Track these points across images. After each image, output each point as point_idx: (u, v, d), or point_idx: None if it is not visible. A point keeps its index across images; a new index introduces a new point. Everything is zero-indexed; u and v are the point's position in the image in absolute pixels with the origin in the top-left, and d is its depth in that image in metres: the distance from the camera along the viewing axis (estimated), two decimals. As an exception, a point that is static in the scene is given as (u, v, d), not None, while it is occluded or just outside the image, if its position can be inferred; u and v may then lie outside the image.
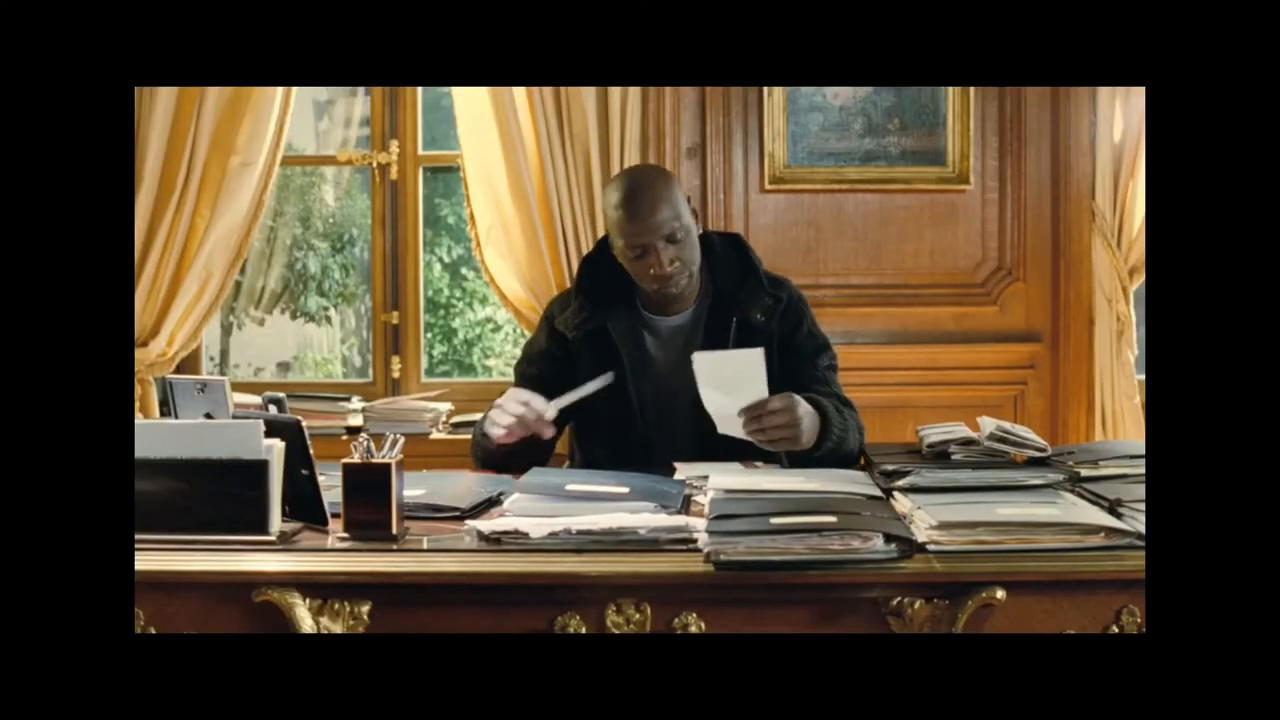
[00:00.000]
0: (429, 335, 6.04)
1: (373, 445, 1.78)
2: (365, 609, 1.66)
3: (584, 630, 1.65)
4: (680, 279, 2.37)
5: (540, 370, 2.49)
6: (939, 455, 2.05)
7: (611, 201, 2.38)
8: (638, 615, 1.65)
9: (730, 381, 2.16)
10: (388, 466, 1.76)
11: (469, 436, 3.43)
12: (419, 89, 3.78)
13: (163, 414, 3.35)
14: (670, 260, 2.33)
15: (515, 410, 2.25)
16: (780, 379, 2.39)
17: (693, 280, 2.42)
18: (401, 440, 1.81)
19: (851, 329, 3.58)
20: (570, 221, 3.47)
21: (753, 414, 2.13)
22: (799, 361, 2.43)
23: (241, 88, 3.46)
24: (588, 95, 3.47)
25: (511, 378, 2.58)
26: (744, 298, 2.43)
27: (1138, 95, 3.50)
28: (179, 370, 3.63)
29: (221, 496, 1.76)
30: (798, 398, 2.16)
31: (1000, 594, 1.62)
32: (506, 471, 2.24)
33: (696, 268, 2.41)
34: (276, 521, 1.78)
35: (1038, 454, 2.01)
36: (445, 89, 4.01)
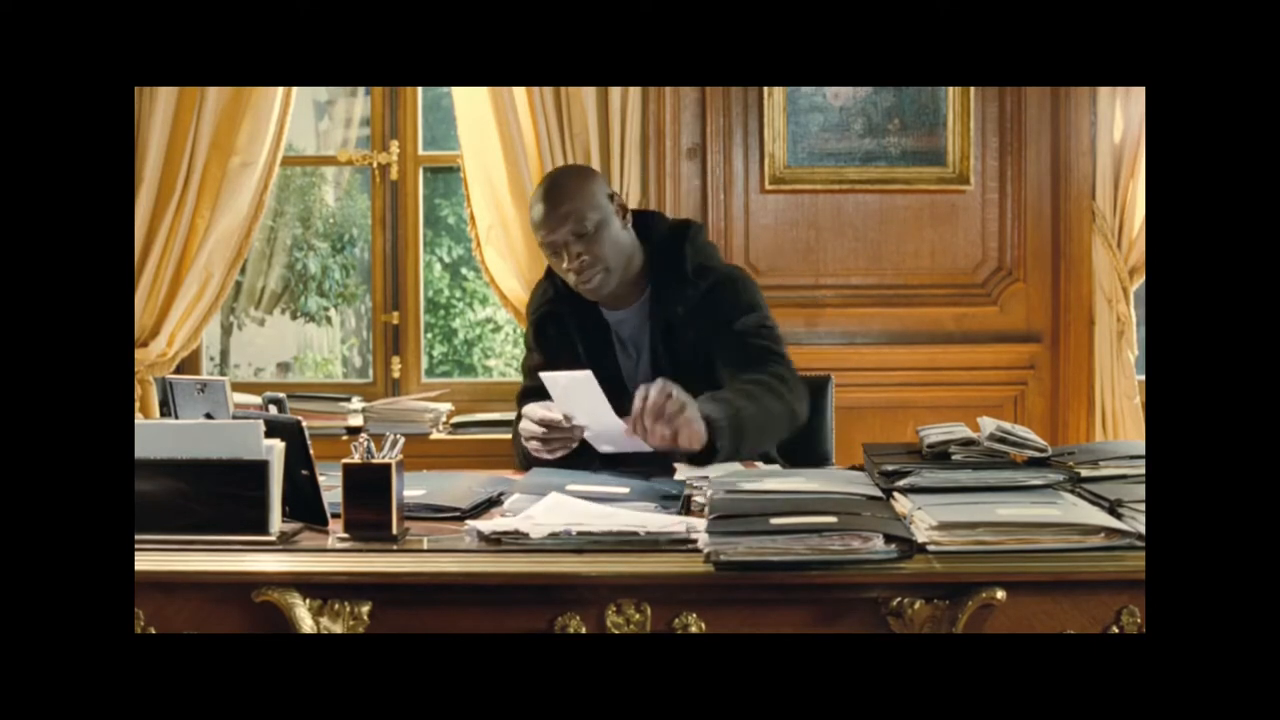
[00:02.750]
0: (429, 335, 6.04)
1: (373, 445, 1.78)
2: (365, 609, 1.66)
3: (584, 630, 1.65)
4: (592, 275, 2.35)
5: (542, 357, 2.50)
6: (939, 455, 2.05)
7: (531, 203, 2.42)
8: (638, 615, 1.65)
9: (579, 401, 2.19)
10: (388, 467, 1.76)
11: (469, 437, 3.48)
12: (419, 89, 3.78)
13: (163, 414, 3.34)
14: (577, 255, 2.33)
15: (538, 431, 2.25)
16: (718, 358, 2.34)
17: (611, 278, 2.38)
18: (401, 440, 1.81)
19: (851, 329, 3.58)
20: (570, 221, 3.47)
21: (637, 419, 2.06)
22: (724, 332, 2.36)
23: (241, 88, 3.46)
24: (588, 95, 3.47)
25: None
26: (667, 295, 2.41)
27: (1138, 95, 3.50)
28: (179, 370, 3.63)
29: (221, 496, 1.76)
30: (675, 391, 2.06)
31: (1000, 594, 1.62)
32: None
33: (615, 264, 2.37)
34: (276, 521, 1.78)
35: (1038, 454, 2.01)
36: (445, 89, 4.01)
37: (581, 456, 2.32)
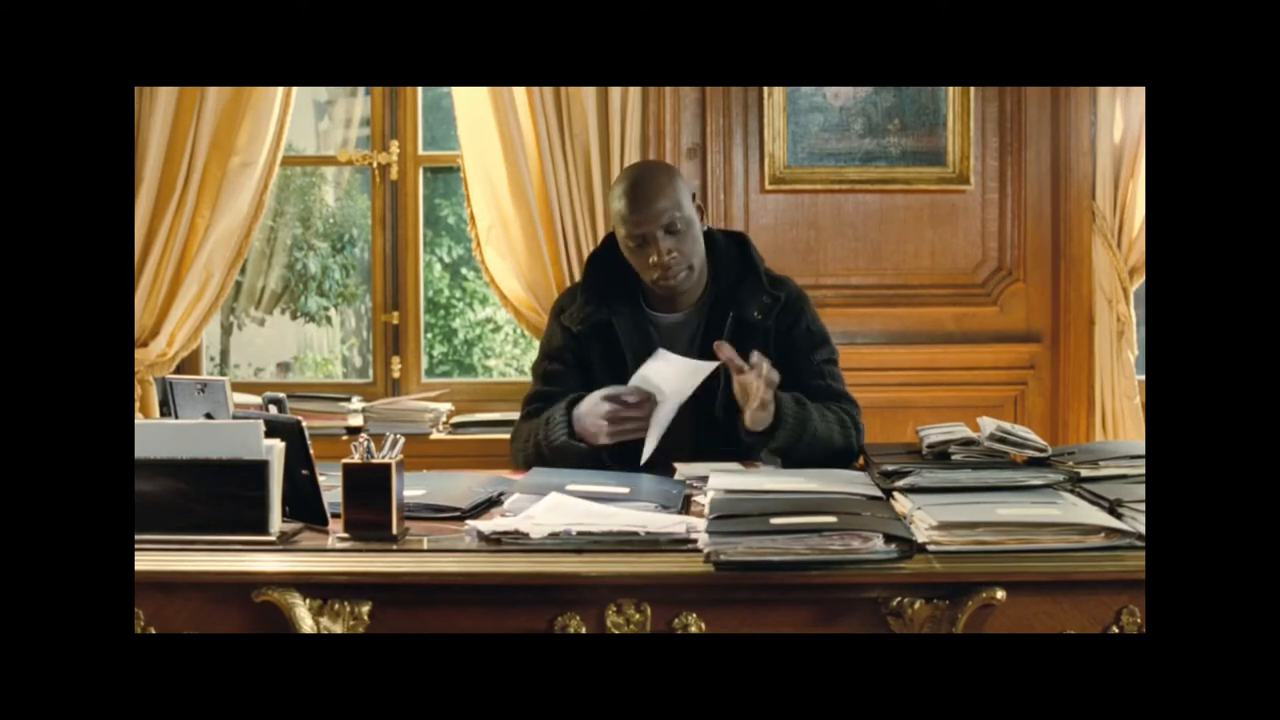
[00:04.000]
0: (429, 335, 6.04)
1: (373, 445, 1.78)
2: (365, 609, 1.66)
3: (584, 630, 1.65)
4: (678, 271, 2.39)
5: (564, 364, 2.50)
6: (939, 455, 2.05)
7: (615, 193, 2.43)
8: (638, 615, 1.65)
9: (674, 381, 2.25)
10: (388, 467, 1.76)
11: (469, 437, 3.48)
12: (419, 89, 3.77)
13: (163, 414, 3.35)
14: (668, 250, 2.36)
15: (608, 410, 2.27)
16: (786, 378, 2.40)
17: (693, 275, 2.43)
18: (401, 440, 1.81)
19: (851, 329, 3.57)
20: (570, 221, 3.47)
21: (738, 364, 2.21)
22: (797, 357, 2.45)
23: (241, 88, 3.46)
24: (588, 95, 3.47)
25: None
26: (742, 295, 2.45)
27: (1138, 95, 3.50)
28: (179, 370, 3.62)
29: (221, 496, 1.76)
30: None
31: (1000, 594, 1.62)
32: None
33: (698, 262, 2.43)
34: (276, 521, 1.78)
35: (1038, 454, 2.01)
36: (445, 89, 4.01)
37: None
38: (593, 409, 2.28)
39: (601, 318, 2.46)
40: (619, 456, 2.35)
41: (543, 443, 2.33)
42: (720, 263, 2.50)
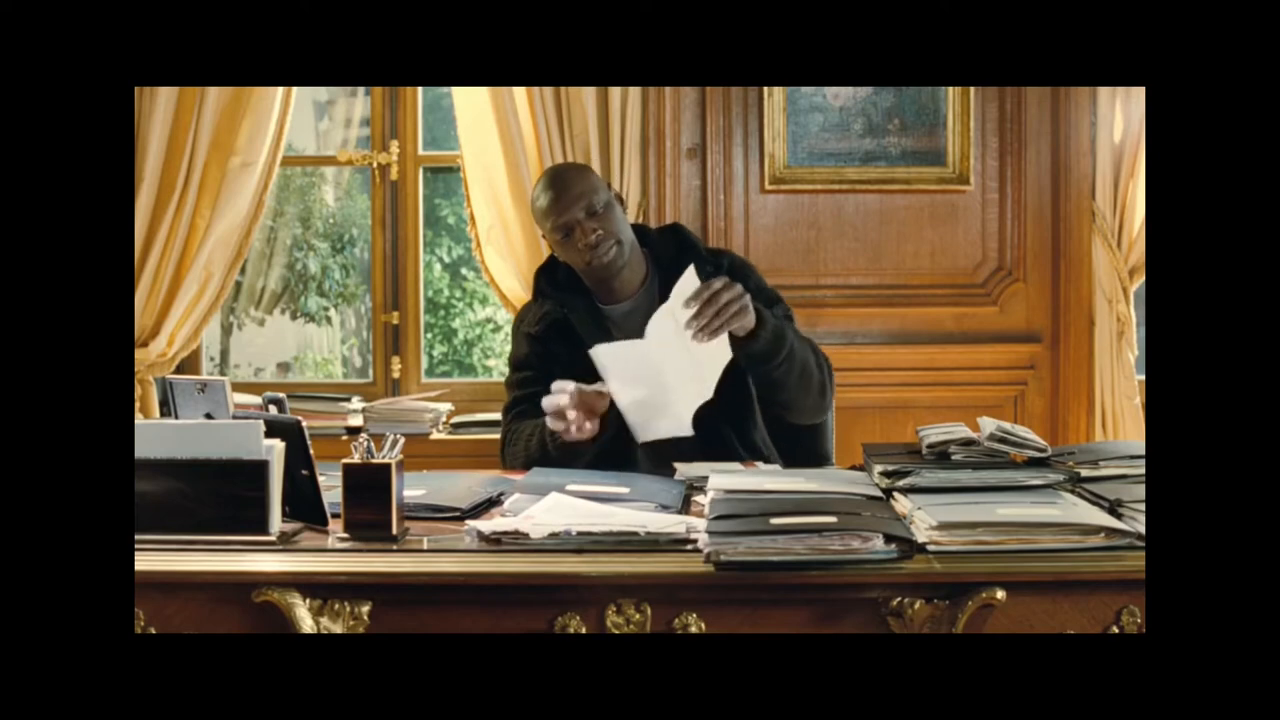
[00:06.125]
0: (429, 335, 6.04)
1: (373, 445, 1.78)
2: (365, 609, 1.66)
3: (584, 630, 1.65)
4: (608, 247, 2.43)
5: (534, 369, 2.51)
6: (939, 456, 2.05)
7: (534, 196, 2.52)
8: (638, 615, 1.65)
9: (634, 374, 2.19)
10: (388, 467, 1.76)
11: (469, 437, 3.48)
12: (419, 89, 3.78)
13: (163, 414, 3.35)
14: (592, 231, 2.42)
15: (565, 402, 2.23)
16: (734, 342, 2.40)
17: (624, 252, 2.47)
18: (401, 440, 1.81)
19: (851, 329, 3.58)
20: (570, 221, 3.47)
21: (700, 297, 2.16)
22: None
23: (241, 88, 3.46)
24: (588, 95, 3.47)
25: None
26: (683, 269, 2.44)
27: (1138, 95, 3.50)
28: (179, 370, 3.63)
29: (221, 496, 1.76)
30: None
31: (1000, 594, 1.62)
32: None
33: (625, 238, 2.48)
34: (276, 521, 1.78)
35: (1038, 454, 2.00)
36: (445, 89, 4.01)
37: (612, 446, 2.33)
38: (551, 404, 2.26)
39: (558, 315, 2.51)
40: (614, 455, 2.34)
41: (548, 441, 2.32)
42: (658, 250, 2.56)
